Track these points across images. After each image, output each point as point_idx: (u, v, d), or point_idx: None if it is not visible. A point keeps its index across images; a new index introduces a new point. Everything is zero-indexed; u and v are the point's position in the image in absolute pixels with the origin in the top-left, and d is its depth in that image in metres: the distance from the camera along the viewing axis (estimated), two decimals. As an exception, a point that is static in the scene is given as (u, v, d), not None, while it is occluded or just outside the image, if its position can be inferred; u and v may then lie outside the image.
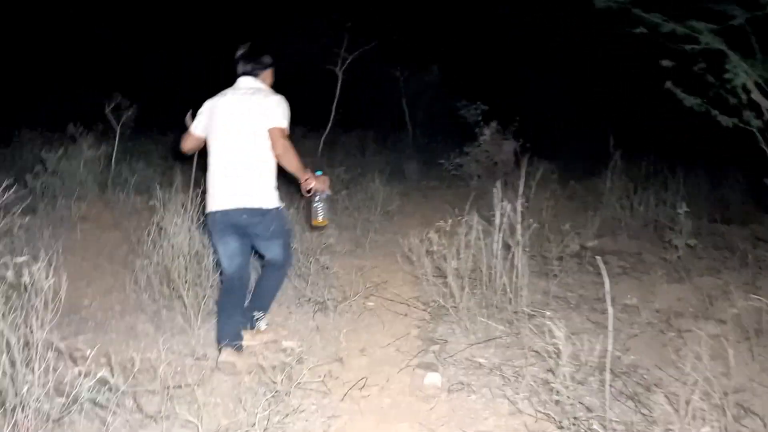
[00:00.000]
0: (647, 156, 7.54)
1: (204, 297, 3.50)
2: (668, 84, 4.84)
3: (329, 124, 10.12)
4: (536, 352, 2.96)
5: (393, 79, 12.04)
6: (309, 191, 3.12)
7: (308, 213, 3.42)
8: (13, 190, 3.16)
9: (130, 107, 6.72)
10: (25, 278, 2.32)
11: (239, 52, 3.16)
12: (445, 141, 10.44)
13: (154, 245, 3.70)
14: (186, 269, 3.51)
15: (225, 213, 2.99)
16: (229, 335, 2.99)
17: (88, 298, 3.87)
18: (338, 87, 10.19)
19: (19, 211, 3.57)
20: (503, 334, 3.36)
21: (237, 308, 3.11)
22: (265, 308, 3.28)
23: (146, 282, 3.72)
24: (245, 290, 3.21)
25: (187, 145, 3.21)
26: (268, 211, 3.01)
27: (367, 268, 4.69)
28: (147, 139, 8.78)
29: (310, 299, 3.91)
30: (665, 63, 4.80)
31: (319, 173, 3.15)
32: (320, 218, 3.24)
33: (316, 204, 3.21)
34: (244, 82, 3.14)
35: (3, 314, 2.24)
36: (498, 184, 3.55)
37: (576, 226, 5.10)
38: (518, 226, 3.44)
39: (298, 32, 11.06)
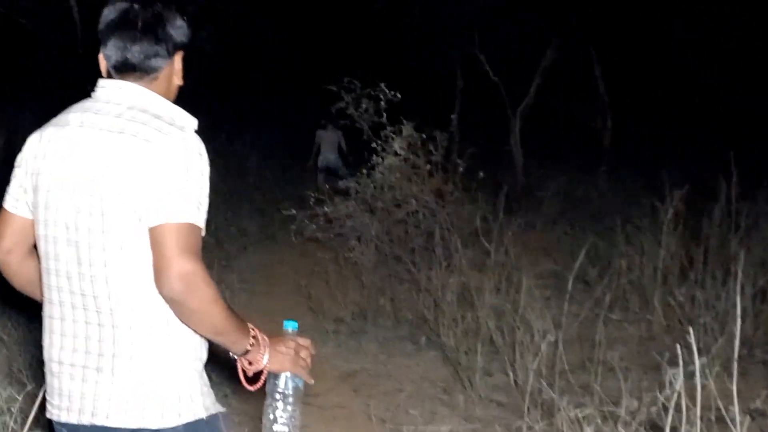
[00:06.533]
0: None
1: None
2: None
3: None
4: None
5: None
6: (255, 378, 1.26)
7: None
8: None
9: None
10: None
11: (110, 15, 1.20)
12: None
13: None
14: None
15: (74, 429, 1.22)
16: None
17: None
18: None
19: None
20: None
21: None
22: None
23: None
24: None
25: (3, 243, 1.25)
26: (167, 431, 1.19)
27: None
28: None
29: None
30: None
31: (290, 326, 1.30)
32: None
33: (275, 405, 1.28)
34: (116, 92, 1.20)
35: None
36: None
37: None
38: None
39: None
